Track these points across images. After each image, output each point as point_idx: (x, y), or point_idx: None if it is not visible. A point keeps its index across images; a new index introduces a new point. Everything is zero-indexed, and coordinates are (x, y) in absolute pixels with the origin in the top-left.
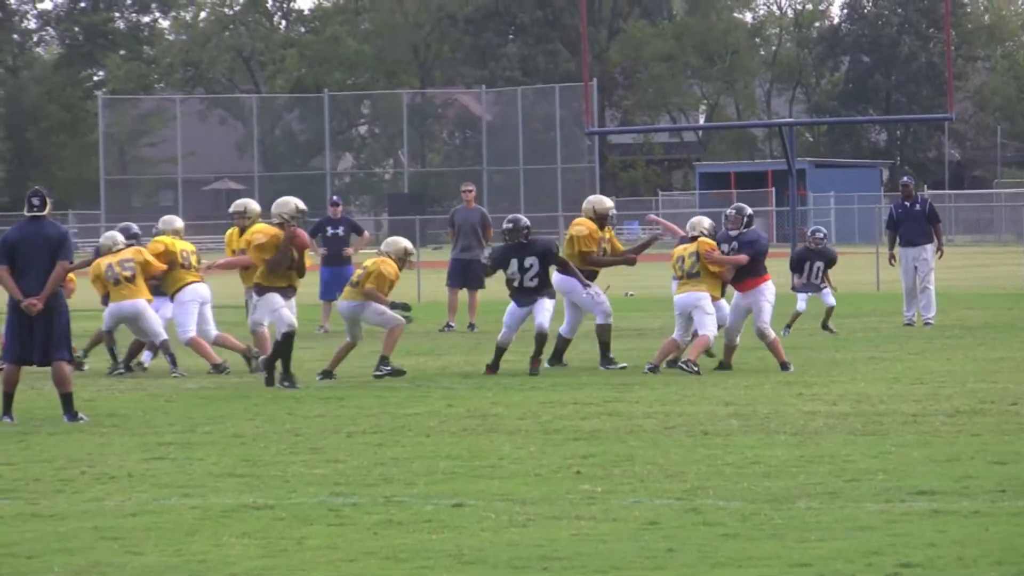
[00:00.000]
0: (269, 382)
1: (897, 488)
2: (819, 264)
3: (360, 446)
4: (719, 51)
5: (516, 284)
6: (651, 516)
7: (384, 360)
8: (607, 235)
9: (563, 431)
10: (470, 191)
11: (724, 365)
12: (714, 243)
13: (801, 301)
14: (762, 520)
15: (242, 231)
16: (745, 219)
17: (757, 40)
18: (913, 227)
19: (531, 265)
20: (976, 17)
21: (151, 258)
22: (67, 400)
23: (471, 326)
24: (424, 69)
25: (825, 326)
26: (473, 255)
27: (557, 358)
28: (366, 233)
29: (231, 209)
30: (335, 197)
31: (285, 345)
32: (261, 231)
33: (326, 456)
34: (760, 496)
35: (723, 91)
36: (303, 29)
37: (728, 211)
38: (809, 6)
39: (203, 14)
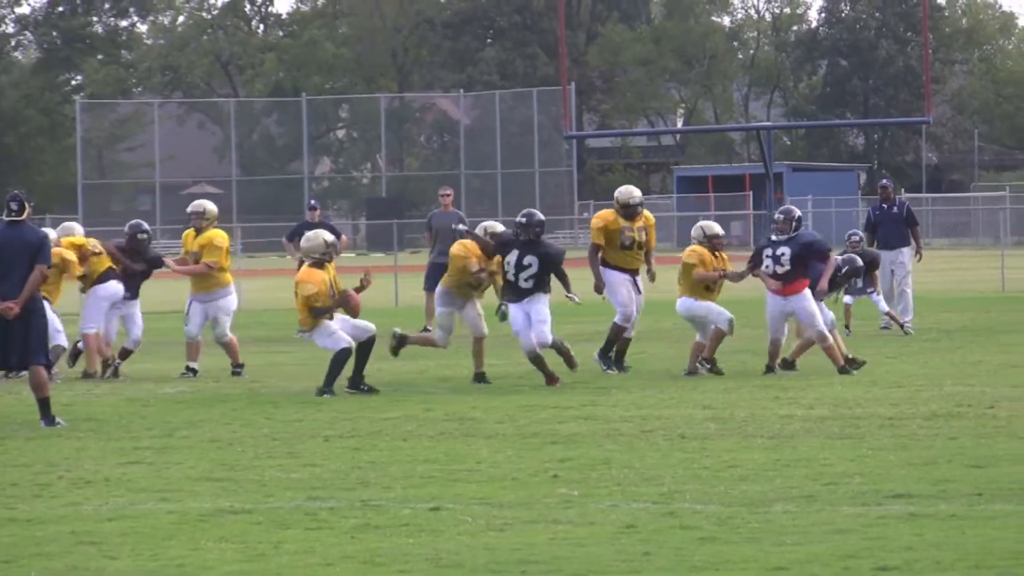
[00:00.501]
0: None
1: (874, 491)
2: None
3: (337, 450)
4: (697, 55)
5: (510, 278)
6: (628, 520)
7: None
8: (635, 224)
9: (541, 435)
10: (448, 195)
11: (770, 367)
12: (703, 253)
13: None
14: (739, 523)
15: (198, 232)
16: (794, 223)
17: (735, 44)
18: (891, 230)
19: (529, 264)
20: (954, 21)
21: (71, 257)
22: (44, 405)
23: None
24: (402, 73)
25: (888, 326)
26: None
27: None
28: (344, 237)
29: (189, 209)
30: (313, 201)
31: (360, 354)
32: (310, 279)
33: (303, 460)
34: (737, 500)
35: (701, 95)
36: (281, 33)
37: (776, 215)
38: (787, 10)
39: (181, 18)
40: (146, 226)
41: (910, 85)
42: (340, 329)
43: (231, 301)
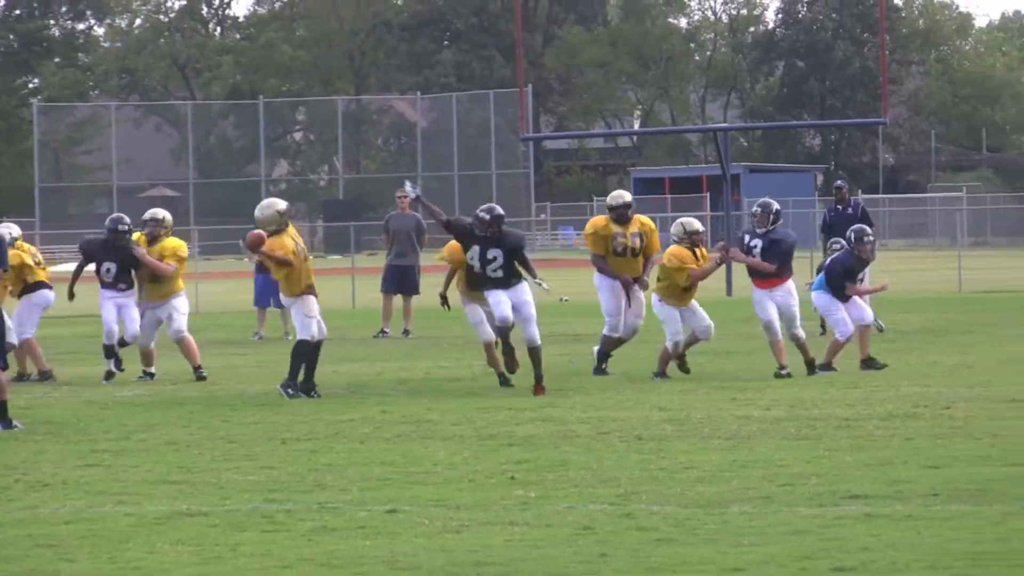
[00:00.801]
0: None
1: (830, 492)
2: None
3: (294, 453)
4: (654, 57)
5: (477, 270)
6: (585, 521)
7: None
8: (628, 230)
9: (497, 437)
10: (405, 197)
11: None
12: (683, 254)
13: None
14: (696, 525)
15: (153, 239)
16: (771, 216)
17: (692, 46)
18: (846, 231)
19: (494, 258)
20: (911, 22)
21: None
22: (1, 408)
23: (406, 332)
24: (359, 76)
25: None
26: (408, 261)
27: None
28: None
29: (147, 216)
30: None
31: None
32: (280, 247)
33: (260, 463)
34: (694, 501)
35: (658, 96)
36: (238, 36)
37: (755, 208)
38: (744, 11)
39: (138, 21)
40: (127, 220)
41: (867, 86)
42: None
43: (184, 301)
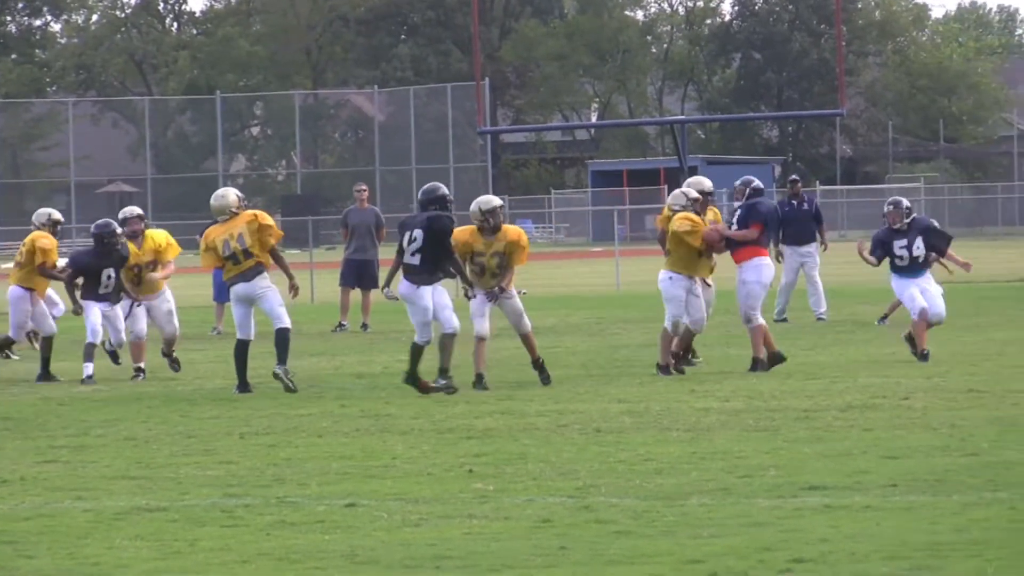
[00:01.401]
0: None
1: (789, 484)
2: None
3: (253, 447)
4: (611, 49)
5: (401, 253)
6: (544, 514)
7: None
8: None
9: (456, 430)
10: (363, 191)
11: (773, 357)
12: (691, 217)
13: None
14: (655, 517)
15: (133, 236)
16: (748, 191)
17: (649, 38)
18: (801, 227)
19: (416, 238)
20: (867, 13)
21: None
22: None
23: (364, 326)
24: (316, 70)
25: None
26: (367, 256)
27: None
28: None
29: (124, 214)
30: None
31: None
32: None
33: (219, 458)
34: (653, 493)
35: (615, 89)
36: (195, 31)
37: (736, 184)
38: (700, 3)
39: (95, 17)
40: (115, 224)
41: (824, 77)
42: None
43: (170, 296)
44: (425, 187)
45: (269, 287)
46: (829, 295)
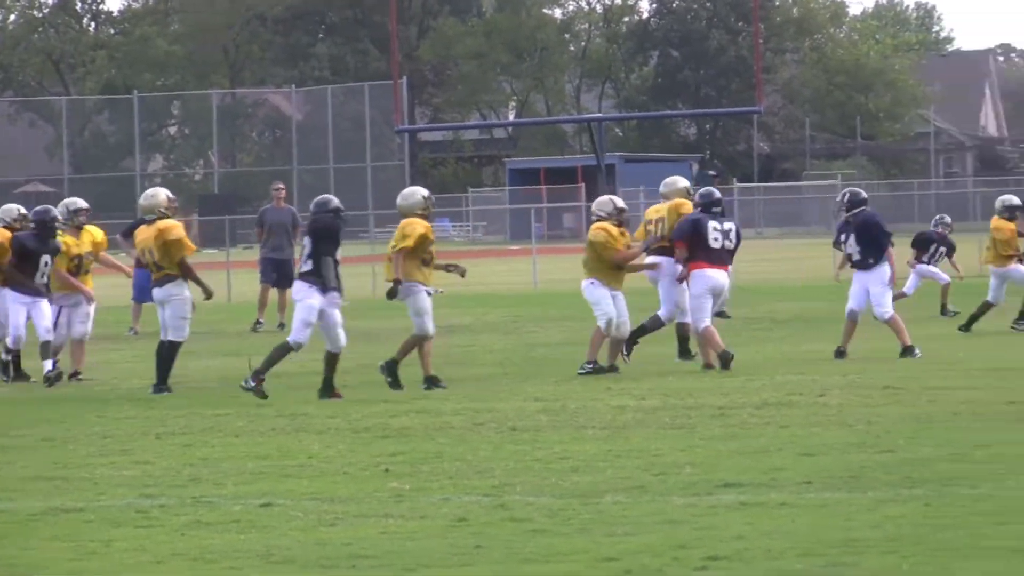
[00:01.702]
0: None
1: (705, 481)
2: (943, 249)
3: (169, 447)
4: (529, 48)
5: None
6: (459, 513)
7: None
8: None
9: (372, 429)
10: (281, 190)
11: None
12: (610, 229)
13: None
14: (570, 515)
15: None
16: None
17: (566, 36)
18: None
19: (305, 244)
20: (785, 10)
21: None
22: None
23: (281, 326)
24: (234, 69)
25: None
26: (283, 255)
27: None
28: None
29: (78, 206)
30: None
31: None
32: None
33: (135, 458)
34: (568, 491)
35: (533, 88)
36: (112, 31)
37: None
38: (618, 1)
39: (12, 17)
40: (55, 211)
41: (741, 75)
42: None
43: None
44: (317, 199)
45: (176, 296)
46: (749, 293)
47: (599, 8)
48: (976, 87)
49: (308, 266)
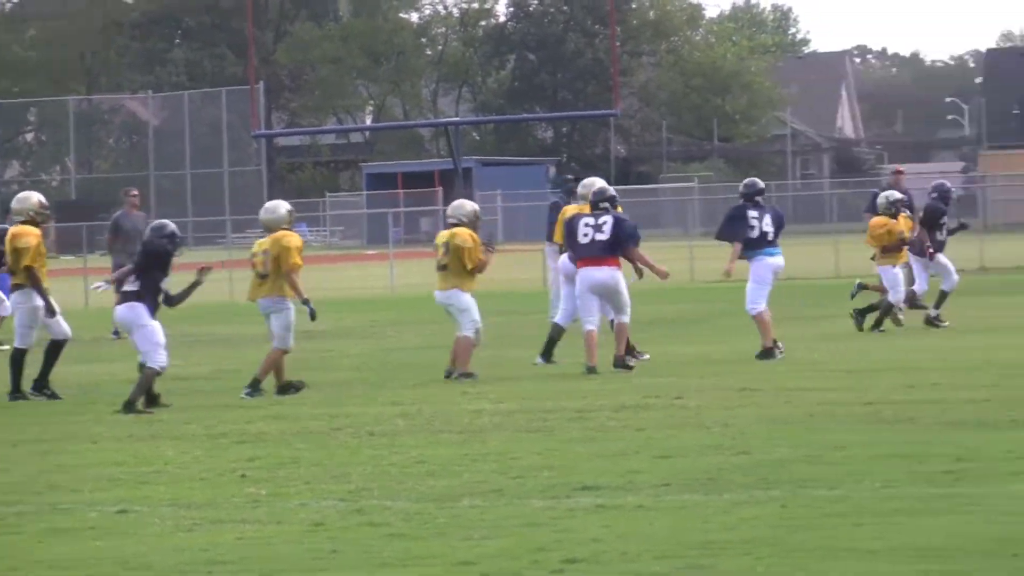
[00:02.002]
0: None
1: (563, 484)
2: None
3: (26, 454)
4: (385, 52)
5: None
6: (316, 518)
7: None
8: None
9: (229, 435)
10: (135, 196)
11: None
12: (473, 235)
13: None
14: (427, 519)
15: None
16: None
17: (423, 40)
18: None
19: (135, 263)
20: (641, 13)
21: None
22: None
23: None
24: (91, 75)
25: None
26: None
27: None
28: None
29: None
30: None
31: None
32: (27, 233)
33: None
34: (425, 495)
35: (390, 92)
36: None
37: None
38: (475, 5)
39: None
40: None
41: (598, 78)
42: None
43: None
44: (153, 224)
45: (21, 304)
46: None
47: (456, 12)
48: (832, 89)
49: (134, 286)
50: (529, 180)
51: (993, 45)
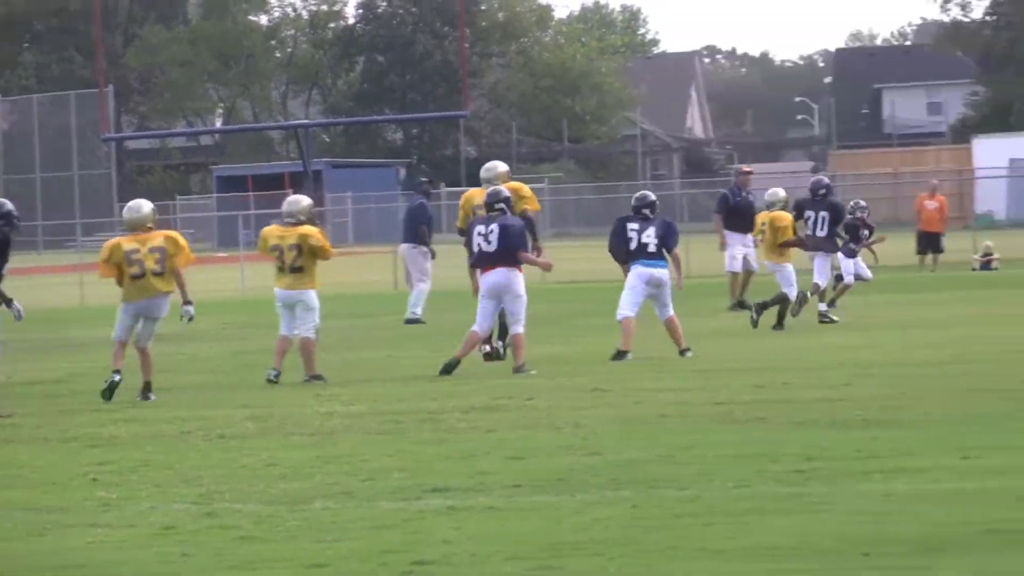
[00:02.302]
0: None
1: (413, 486)
2: (866, 232)
3: None
4: (235, 55)
5: None
6: (167, 521)
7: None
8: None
9: (81, 439)
10: None
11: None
12: (323, 233)
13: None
14: (278, 522)
15: None
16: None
17: (273, 42)
18: (406, 226)
19: None
20: (491, 14)
21: None
22: None
23: None
24: None
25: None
26: None
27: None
28: None
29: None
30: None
31: None
32: None
33: None
34: (276, 498)
35: (240, 94)
36: None
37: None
38: (324, 7)
39: None
40: None
41: (448, 79)
42: None
43: None
44: None
45: None
46: (452, 298)
47: (305, 14)
48: (682, 89)
49: None
50: (379, 182)
51: (843, 45)
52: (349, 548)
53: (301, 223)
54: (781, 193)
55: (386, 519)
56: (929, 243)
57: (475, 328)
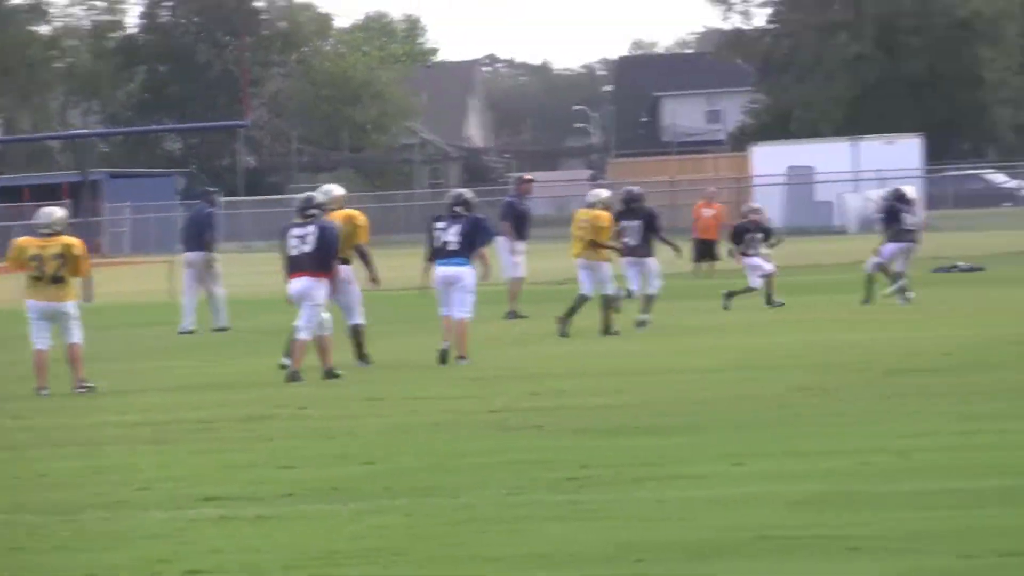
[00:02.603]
0: None
1: (185, 495)
2: (759, 235)
3: None
4: (15, 65)
5: None
6: None
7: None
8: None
9: None
10: None
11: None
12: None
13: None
14: (49, 532)
15: None
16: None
17: (54, 52)
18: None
19: None
20: (272, 23)
21: None
22: None
23: None
24: None
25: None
26: None
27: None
28: None
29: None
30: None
31: None
32: None
33: None
34: (48, 508)
35: (19, 105)
36: None
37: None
38: (106, 17)
39: None
40: None
41: (228, 89)
42: None
43: None
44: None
45: None
46: (240, 305)
47: (87, 24)
48: (461, 98)
49: None
50: (158, 192)
51: (625, 53)
52: (121, 558)
53: (58, 233)
54: (604, 194)
55: (159, 528)
56: (705, 251)
57: (303, 339)
